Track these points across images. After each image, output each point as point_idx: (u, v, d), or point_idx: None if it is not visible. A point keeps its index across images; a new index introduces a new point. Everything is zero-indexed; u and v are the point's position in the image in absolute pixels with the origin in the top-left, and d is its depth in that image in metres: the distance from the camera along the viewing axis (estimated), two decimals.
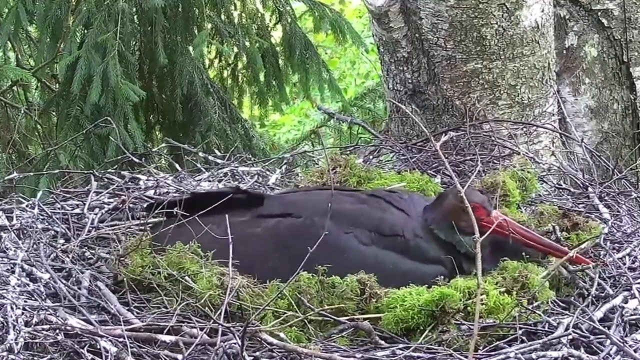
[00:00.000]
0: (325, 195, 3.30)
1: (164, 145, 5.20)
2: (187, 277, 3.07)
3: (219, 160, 4.47)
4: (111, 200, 3.89)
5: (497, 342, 2.94)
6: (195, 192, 3.87)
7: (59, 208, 3.79)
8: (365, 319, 3.00)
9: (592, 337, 2.91)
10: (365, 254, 3.19)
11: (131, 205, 3.76)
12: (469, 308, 2.99)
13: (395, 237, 3.22)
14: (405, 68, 4.42)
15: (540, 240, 3.30)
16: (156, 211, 3.33)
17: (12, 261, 3.20)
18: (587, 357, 2.83)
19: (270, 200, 3.40)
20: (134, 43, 5.64)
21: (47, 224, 3.62)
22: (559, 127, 4.53)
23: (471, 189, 3.45)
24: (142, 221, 3.47)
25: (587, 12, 4.70)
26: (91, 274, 3.23)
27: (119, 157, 4.60)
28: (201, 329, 2.85)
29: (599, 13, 4.69)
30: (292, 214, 3.28)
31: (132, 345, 2.79)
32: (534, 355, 2.82)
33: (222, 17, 5.82)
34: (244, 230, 3.21)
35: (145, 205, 3.68)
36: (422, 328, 2.99)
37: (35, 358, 2.78)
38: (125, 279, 3.14)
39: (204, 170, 4.36)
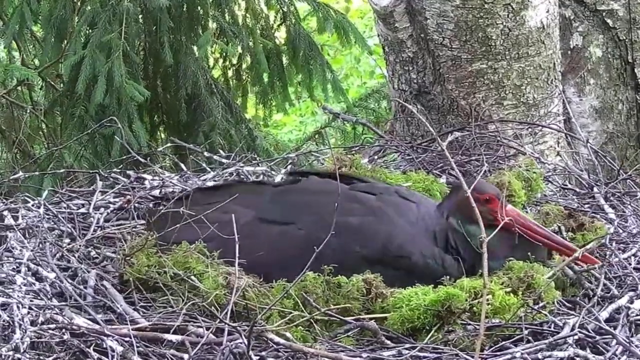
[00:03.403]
0: (331, 198, 3.12)
1: (168, 145, 5.20)
2: (193, 277, 3.07)
3: (224, 160, 4.47)
4: (116, 199, 3.89)
5: (503, 342, 2.93)
6: (199, 187, 3.86)
7: (64, 207, 3.79)
8: (371, 319, 3.00)
9: (598, 337, 2.90)
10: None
11: (136, 204, 3.77)
12: (474, 308, 2.98)
13: (401, 258, 3.18)
14: (410, 68, 4.42)
15: (552, 237, 3.29)
16: (162, 206, 3.34)
17: (18, 260, 3.20)
18: (593, 357, 2.83)
19: (274, 198, 3.36)
20: (138, 43, 5.64)
21: (52, 223, 3.62)
22: (564, 128, 4.53)
23: (485, 181, 3.44)
24: (147, 219, 3.46)
25: (592, 12, 4.70)
26: (97, 274, 3.23)
27: (123, 157, 4.60)
28: (207, 329, 2.84)
29: (604, 13, 4.68)
30: (295, 223, 3.23)
31: (138, 344, 2.78)
32: (540, 356, 2.82)
33: (227, 17, 5.81)
34: (245, 238, 3.13)
35: (151, 202, 3.69)
36: (428, 328, 2.98)
37: (41, 357, 2.77)
38: (131, 279, 3.14)
39: (209, 169, 4.36)
